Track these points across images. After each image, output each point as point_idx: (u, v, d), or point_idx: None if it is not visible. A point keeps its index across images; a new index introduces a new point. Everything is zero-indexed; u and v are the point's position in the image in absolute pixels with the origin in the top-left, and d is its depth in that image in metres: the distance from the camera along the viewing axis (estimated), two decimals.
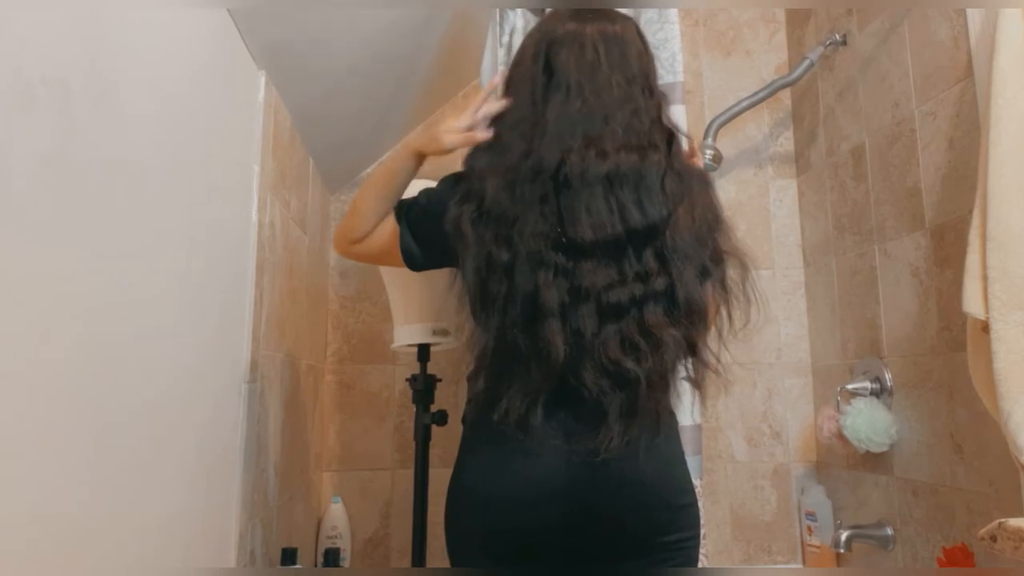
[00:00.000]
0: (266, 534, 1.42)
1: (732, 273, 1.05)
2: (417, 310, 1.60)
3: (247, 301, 1.33)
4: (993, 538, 0.93)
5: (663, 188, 0.99)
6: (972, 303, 1.25)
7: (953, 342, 1.54)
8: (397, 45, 1.72)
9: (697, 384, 1.04)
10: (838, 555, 1.95)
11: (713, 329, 1.04)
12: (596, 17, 1.07)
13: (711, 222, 1.03)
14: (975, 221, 1.27)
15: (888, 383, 1.76)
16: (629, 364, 0.95)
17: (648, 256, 0.97)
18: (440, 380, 1.66)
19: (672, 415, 1.07)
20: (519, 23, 1.64)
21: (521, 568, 1.00)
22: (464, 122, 1.07)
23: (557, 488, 0.98)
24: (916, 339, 1.67)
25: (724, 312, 1.03)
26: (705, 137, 2.03)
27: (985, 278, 1.23)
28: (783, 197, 2.27)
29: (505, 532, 1.00)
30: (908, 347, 1.70)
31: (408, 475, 1.78)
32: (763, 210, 2.27)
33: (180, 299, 1.01)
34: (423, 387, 1.61)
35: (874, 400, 1.76)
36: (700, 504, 1.39)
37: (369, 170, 2.22)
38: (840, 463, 2.00)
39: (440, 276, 1.56)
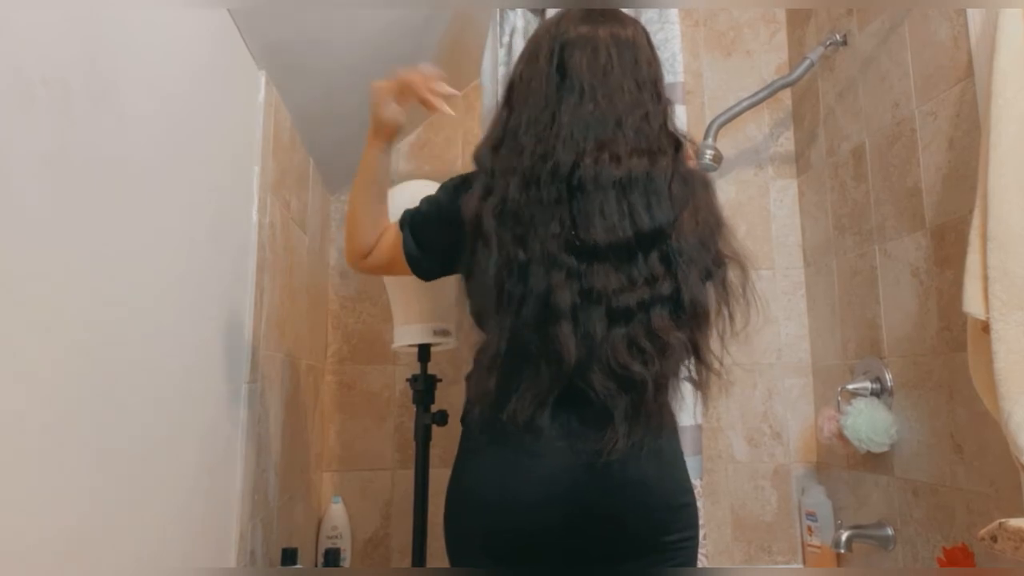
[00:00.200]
0: (266, 534, 1.42)
1: (732, 276, 1.05)
2: (417, 310, 1.60)
3: (247, 301, 1.33)
4: (993, 538, 0.93)
5: (670, 192, 1.00)
6: (972, 303, 1.24)
7: (953, 342, 1.54)
8: (397, 45, 1.71)
9: (699, 385, 1.04)
10: (838, 555, 1.95)
11: (714, 331, 1.04)
12: (608, 21, 1.08)
13: (713, 225, 1.04)
14: (975, 221, 1.27)
15: (888, 383, 1.76)
16: (636, 367, 0.95)
17: (655, 259, 0.98)
18: (440, 380, 1.66)
19: (672, 416, 1.08)
20: (519, 23, 1.64)
21: (521, 568, 1.00)
22: (387, 92, 1.12)
23: (559, 489, 0.98)
24: (916, 339, 1.67)
25: (725, 313, 1.03)
26: (705, 137, 2.03)
27: (985, 278, 1.23)
28: (783, 197, 2.27)
29: (506, 533, 1.00)
30: (908, 347, 1.70)
31: (408, 475, 1.78)
32: (763, 210, 2.27)
33: (180, 299, 1.01)
34: (423, 387, 1.61)
35: (874, 400, 1.76)
36: (700, 504, 1.39)
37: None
38: (840, 463, 2.00)
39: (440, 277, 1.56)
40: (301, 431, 1.78)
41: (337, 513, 2.01)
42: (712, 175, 2.14)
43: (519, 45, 1.58)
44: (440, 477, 1.10)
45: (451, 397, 1.76)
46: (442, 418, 1.60)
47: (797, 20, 2.27)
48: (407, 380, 1.65)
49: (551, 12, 1.36)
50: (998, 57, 1.27)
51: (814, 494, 2.05)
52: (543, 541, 0.99)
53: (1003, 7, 1.29)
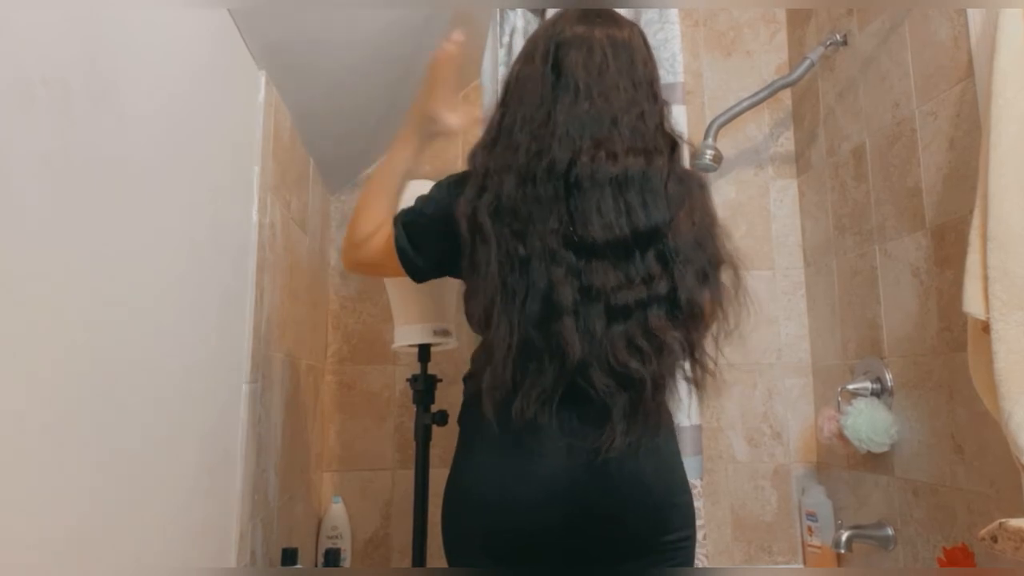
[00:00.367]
0: (266, 534, 1.42)
1: (726, 278, 1.05)
2: (417, 310, 1.60)
3: (247, 301, 1.33)
4: (994, 538, 0.93)
5: (666, 192, 1.01)
6: (972, 303, 1.24)
7: (954, 342, 1.54)
8: (397, 45, 1.72)
9: (696, 384, 1.04)
10: (839, 555, 1.95)
11: (709, 330, 1.04)
12: (604, 22, 1.09)
13: (709, 226, 1.05)
14: (975, 221, 1.27)
15: (888, 383, 1.76)
16: (635, 365, 0.95)
17: (651, 258, 0.99)
18: (440, 380, 1.66)
19: (670, 416, 1.08)
20: (519, 23, 1.64)
21: (521, 568, 1.00)
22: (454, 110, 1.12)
23: (558, 489, 0.98)
24: (917, 339, 1.67)
25: (719, 314, 1.04)
26: (705, 137, 2.03)
27: (986, 278, 1.23)
28: (783, 197, 2.27)
29: (506, 532, 1.00)
30: (908, 347, 1.70)
31: (408, 475, 1.78)
32: (763, 210, 2.27)
33: (180, 299, 1.01)
34: (423, 387, 1.61)
35: (875, 400, 1.76)
36: (700, 504, 1.39)
37: (369, 170, 2.22)
38: (840, 463, 1.99)
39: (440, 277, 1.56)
40: (301, 431, 1.78)
41: (337, 513, 2.01)
42: (712, 175, 2.16)
43: (519, 45, 1.58)
44: (440, 477, 1.10)
45: (451, 397, 1.75)
46: (442, 418, 1.60)
47: (797, 20, 2.27)
48: (407, 380, 1.65)
49: (551, 12, 1.36)
50: (998, 57, 1.27)
51: (814, 494, 2.05)
52: (542, 541, 0.99)
53: (1003, 7, 1.29)
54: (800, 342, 2.20)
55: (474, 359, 1.10)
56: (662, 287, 0.98)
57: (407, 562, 1.89)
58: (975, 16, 1.47)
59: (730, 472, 2.16)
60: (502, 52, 1.64)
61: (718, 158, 2.03)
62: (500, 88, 1.16)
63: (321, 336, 2.07)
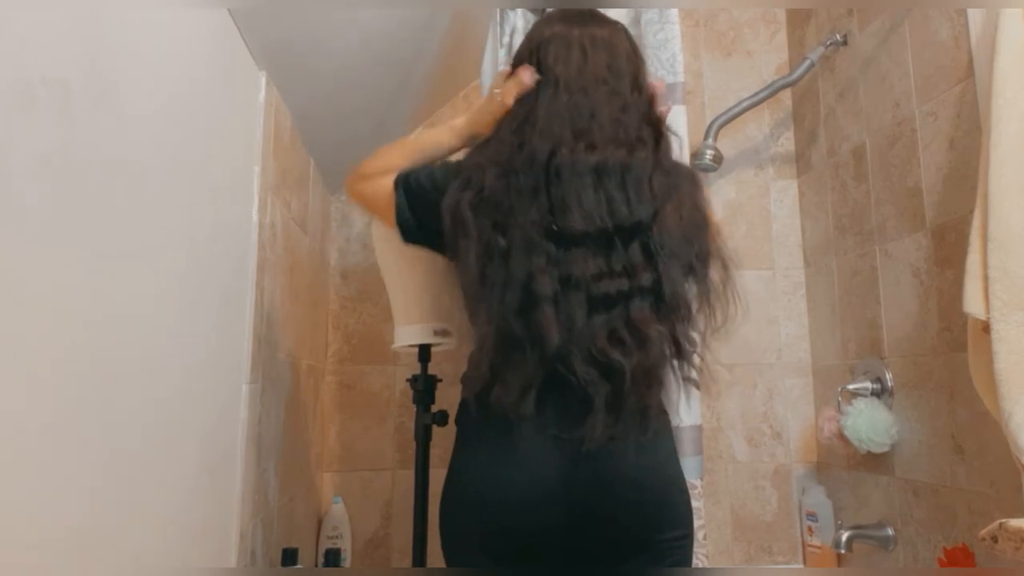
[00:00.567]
0: (267, 534, 1.42)
1: (715, 273, 1.05)
2: (418, 310, 1.60)
3: (248, 301, 1.33)
4: (994, 538, 0.93)
5: (651, 184, 1.01)
6: (973, 303, 1.24)
7: (954, 342, 1.54)
8: (398, 46, 1.72)
9: (688, 380, 1.05)
10: (839, 555, 1.94)
11: (695, 326, 1.04)
12: (585, 21, 1.12)
13: (698, 221, 1.05)
14: (976, 221, 1.27)
15: (889, 383, 1.76)
16: (616, 355, 0.96)
17: (635, 251, 0.99)
18: (441, 380, 1.66)
19: (664, 414, 1.08)
20: (519, 23, 1.64)
21: (521, 568, 1.00)
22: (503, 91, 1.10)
23: (551, 489, 0.98)
24: (917, 339, 1.67)
25: (707, 310, 1.04)
26: (706, 137, 2.03)
27: (986, 278, 1.22)
28: (784, 197, 2.27)
29: (502, 531, 1.00)
30: (909, 347, 1.70)
31: (409, 475, 1.78)
32: (764, 210, 2.27)
33: (180, 300, 1.01)
34: (424, 387, 1.61)
35: (875, 400, 1.76)
36: (701, 505, 1.39)
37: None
38: (841, 463, 1.99)
39: (440, 277, 1.56)
40: (301, 431, 1.78)
41: (337, 513, 2.01)
42: (712, 175, 2.16)
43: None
44: (440, 477, 1.10)
45: (451, 397, 1.75)
46: (442, 418, 1.60)
47: (797, 20, 2.27)
48: (407, 380, 1.65)
49: None
50: (998, 57, 1.27)
51: (814, 494, 2.05)
52: (539, 540, 1.00)
53: (1003, 7, 1.29)
54: (800, 342, 2.20)
55: (470, 359, 1.10)
56: (646, 279, 0.98)
57: (407, 562, 1.89)
58: (975, 16, 1.47)
59: (730, 472, 2.16)
60: (502, 52, 1.64)
61: (718, 158, 2.03)
62: None
63: (321, 336, 2.07)
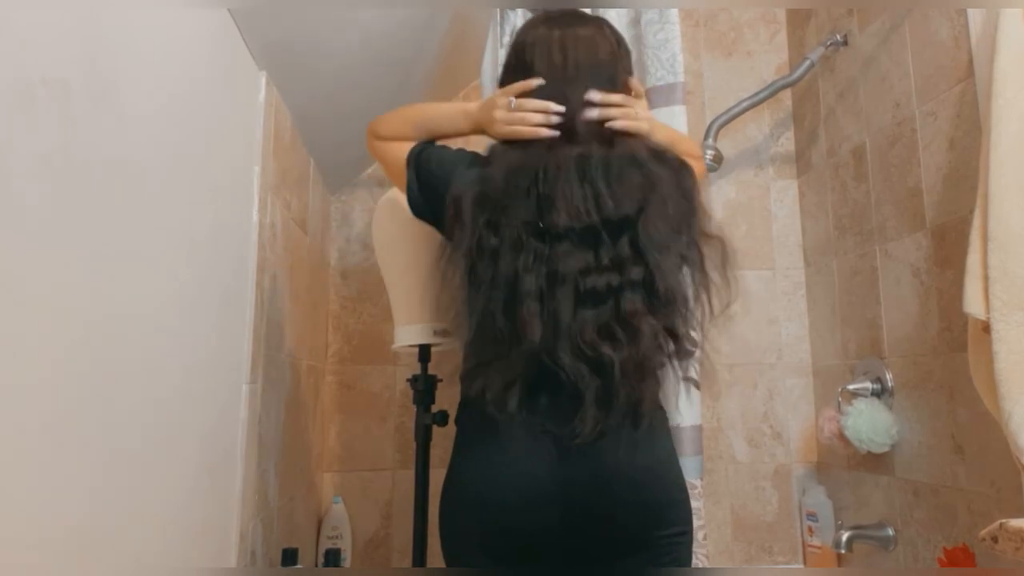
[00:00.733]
0: (267, 534, 1.42)
1: (710, 258, 1.05)
2: (418, 310, 1.60)
3: (248, 302, 1.33)
4: (994, 539, 0.93)
5: (637, 175, 1.02)
6: (973, 303, 1.24)
7: (954, 342, 1.54)
8: (398, 46, 1.72)
9: (687, 378, 1.05)
10: (839, 555, 1.94)
11: (693, 317, 1.05)
12: (566, 22, 1.14)
13: (686, 210, 1.05)
14: (976, 221, 1.27)
15: (889, 383, 1.76)
16: (605, 349, 0.96)
17: (623, 245, 1.00)
18: (441, 380, 1.65)
19: (662, 411, 1.08)
20: (519, 23, 1.63)
21: (521, 568, 1.00)
22: (507, 114, 1.11)
23: (551, 489, 0.99)
24: (917, 339, 1.67)
25: (704, 299, 1.04)
26: (706, 138, 2.03)
27: (986, 278, 1.22)
28: (784, 197, 2.27)
29: (502, 532, 1.00)
30: (909, 347, 1.70)
31: (409, 475, 1.78)
32: (764, 211, 2.27)
33: (181, 299, 1.01)
34: (424, 387, 1.61)
35: (875, 400, 1.76)
36: (701, 505, 1.39)
37: (370, 171, 2.22)
38: (841, 463, 1.99)
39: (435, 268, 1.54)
40: (301, 431, 1.78)
41: (337, 513, 2.01)
42: (712, 175, 2.16)
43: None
44: (441, 477, 1.10)
45: (451, 397, 1.74)
46: (442, 418, 1.60)
47: (797, 20, 2.27)
48: (407, 380, 1.65)
49: None
50: (998, 57, 1.27)
51: (815, 494, 2.05)
52: (540, 540, 1.00)
53: (1003, 7, 1.29)
54: (800, 342, 2.20)
55: (465, 356, 1.11)
56: (635, 273, 0.98)
57: (407, 562, 1.89)
58: (975, 16, 1.47)
59: (730, 472, 2.16)
60: (502, 52, 1.64)
61: (718, 158, 2.03)
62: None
63: (321, 336, 2.07)
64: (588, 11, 1.21)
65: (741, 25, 2.35)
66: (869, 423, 1.71)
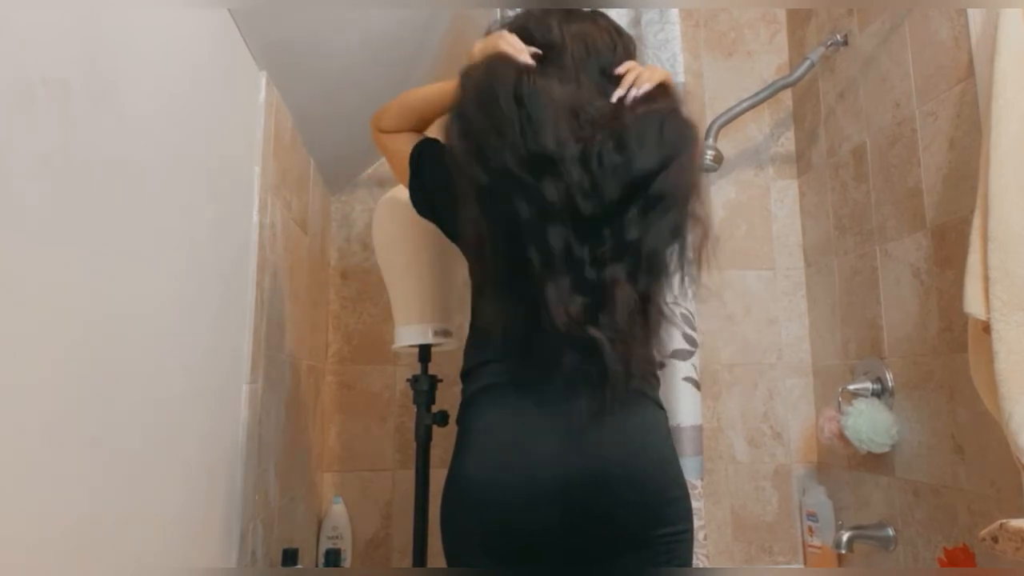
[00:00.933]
0: (267, 534, 1.42)
1: (693, 237, 1.05)
2: (418, 311, 1.60)
3: (248, 302, 1.33)
4: (994, 539, 0.93)
5: (655, 133, 1.00)
6: (973, 303, 1.24)
7: (954, 343, 1.54)
8: (398, 46, 1.72)
9: (656, 328, 1.06)
10: (839, 556, 1.94)
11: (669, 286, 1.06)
12: (564, 19, 1.13)
13: (688, 186, 1.04)
14: (976, 221, 1.27)
15: (889, 384, 1.76)
16: (596, 333, 0.97)
17: (617, 229, 0.98)
18: (441, 380, 1.66)
19: (662, 411, 1.08)
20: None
21: (521, 568, 1.00)
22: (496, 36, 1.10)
23: (551, 489, 0.99)
24: (917, 340, 1.67)
25: (680, 275, 1.05)
26: (706, 138, 2.03)
27: (986, 278, 1.22)
28: (784, 197, 2.27)
29: (503, 532, 1.00)
30: (909, 348, 1.70)
31: (409, 476, 1.78)
32: (764, 210, 2.27)
33: (180, 299, 1.01)
34: (424, 388, 1.61)
35: (875, 401, 1.76)
36: (701, 505, 1.39)
37: (370, 171, 2.22)
38: (841, 464, 1.99)
39: (442, 277, 1.56)
40: (302, 431, 1.78)
41: (338, 513, 2.01)
42: (713, 175, 2.16)
43: None
44: (441, 477, 1.10)
45: (452, 398, 1.75)
46: (443, 418, 1.60)
47: (797, 20, 2.27)
48: (408, 380, 1.65)
49: None
50: (999, 57, 1.27)
51: (815, 494, 2.05)
52: (541, 540, 1.00)
53: (1003, 7, 1.29)
54: (800, 342, 2.20)
55: (465, 354, 1.11)
56: (627, 239, 0.98)
57: (407, 562, 1.89)
58: (975, 16, 1.47)
59: (731, 472, 2.16)
60: None
61: (719, 158, 2.03)
62: None
63: (322, 336, 2.07)
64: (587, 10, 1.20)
65: (741, 25, 2.35)
66: (869, 423, 1.71)
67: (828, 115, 2.09)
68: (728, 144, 2.20)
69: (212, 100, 1.14)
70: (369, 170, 2.21)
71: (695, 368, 1.49)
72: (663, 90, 1.08)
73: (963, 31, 1.51)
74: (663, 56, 1.56)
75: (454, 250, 1.23)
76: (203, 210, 1.10)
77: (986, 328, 1.23)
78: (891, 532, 1.75)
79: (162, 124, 0.94)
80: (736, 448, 2.16)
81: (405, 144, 1.20)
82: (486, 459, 1.03)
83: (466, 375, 1.12)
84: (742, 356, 2.18)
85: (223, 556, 1.20)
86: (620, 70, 1.09)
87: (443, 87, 1.17)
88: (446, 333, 1.61)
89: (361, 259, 2.19)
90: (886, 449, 1.72)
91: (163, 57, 0.95)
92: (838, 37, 1.99)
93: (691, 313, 1.50)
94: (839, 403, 1.82)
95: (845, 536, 1.78)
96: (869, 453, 1.76)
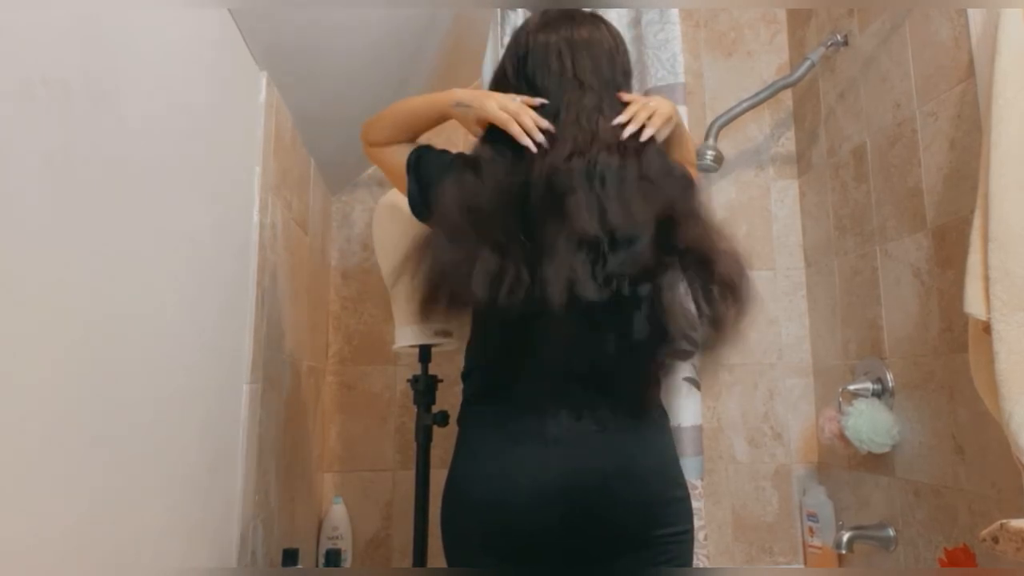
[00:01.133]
0: (267, 535, 1.42)
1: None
2: (419, 311, 1.60)
3: (248, 302, 1.33)
4: (995, 539, 0.93)
5: (637, 188, 1.00)
6: (973, 304, 1.24)
7: (954, 343, 1.53)
8: (399, 46, 1.72)
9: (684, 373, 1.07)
10: (840, 556, 1.94)
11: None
12: (565, 23, 1.12)
13: (696, 225, 1.04)
14: (976, 222, 1.27)
15: (889, 384, 1.76)
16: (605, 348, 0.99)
17: (632, 255, 0.98)
18: (442, 381, 1.66)
19: (663, 411, 1.08)
20: (519, 23, 1.63)
21: (521, 568, 1.00)
22: (517, 107, 1.07)
23: (552, 489, 0.99)
24: (917, 340, 1.67)
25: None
26: (706, 138, 2.03)
27: (986, 278, 1.22)
28: (784, 198, 2.27)
29: (503, 532, 1.00)
30: (909, 348, 1.70)
31: (409, 476, 1.78)
32: (764, 211, 2.27)
33: (181, 300, 1.01)
34: (424, 388, 1.61)
35: (875, 401, 1.76)
36: (701, 505, 1.39)
37: (370, 171, 2.22)
38: (841, 464, 1.99)
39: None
40: (302, 432, 1.78)
41: (338, 514, 2.01)
42: (713, 175, 2.16)
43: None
44: (441, 478, 1.11)
45: (452, 398, 1.75)
46: (443, 419, 1.60)
47: (798, 21, 2.27)
48: (408, 381, 1.65)
49: None
50: (999, 58, 1.27)
51: (815, 495, 2.05)
52: (541, 540, 1.00)
53: (1003, 7, 1.29)
54: (801, 342, 2.20)
55: (466, 354, 1.11)
56: (641, 290, 0.99)
57: (408, 563, 1.89)
58: (976, 16, 1.47)
59: (731, 473, 2.15)
60: (502, 52, 1.64)
61: (719, 159, 2.03)
62: None
63: (322, 336, 2.07)
64: (587, 11, 1.19)
65: (741, 25, 2.35)
66: (870, 423, 1.70)
67: (828, 115, 2.09)
68: (728, 144, 2.20)
69: (212, 100, 1.14)
70: (369, 170, 2.21)
71: (695, 368, 1.49)
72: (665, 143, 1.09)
73: (963, 31, 1.51)
74: (663, 56, 1.56)
75: None
76: (203, 210, 1.10)
77: (986, 328, 1.23)
78: (891, 532, 1.75)
79: (162, 124, 0.94)
80: (736, 448, 2.16)
81: (398, 155, 1.18)
82: (487, 460, 1.03)
83: (467, 375, 1.12)
84: (742, 356, 2.18)
85: (223, 556, 1.20)
86: (627, 98, 1.09)
87: (433, 99, 1.17)
88: (446, 333, 1.61)
89: (361, 259, 2.19)
90: (886, 449, 1.72)
91: (163, 57, 0.95)
92: (838, 37, 1.98)
93: (691, 313, 1.50)
94: (839, 403, 1.82)
95: (845, 536, 1.78)
96: (869, 453, 1.76)
